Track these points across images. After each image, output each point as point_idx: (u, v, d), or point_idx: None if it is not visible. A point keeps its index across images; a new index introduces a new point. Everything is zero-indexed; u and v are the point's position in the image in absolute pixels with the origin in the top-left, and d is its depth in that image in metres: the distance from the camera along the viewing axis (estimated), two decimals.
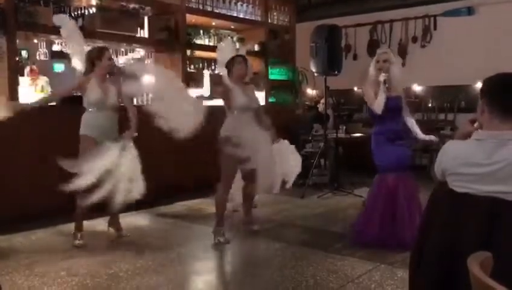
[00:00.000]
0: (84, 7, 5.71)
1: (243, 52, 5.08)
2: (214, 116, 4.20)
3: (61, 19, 4.57)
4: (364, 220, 4.18)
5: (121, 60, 6.37)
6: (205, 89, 6.57)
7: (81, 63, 4.39)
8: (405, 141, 4.23)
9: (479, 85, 7.16)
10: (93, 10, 5.68)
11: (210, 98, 4.83)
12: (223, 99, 4.35)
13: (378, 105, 4.06)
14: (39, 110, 4.98)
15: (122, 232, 4.50)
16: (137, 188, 4.11)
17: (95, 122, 4.19)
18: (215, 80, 5.09)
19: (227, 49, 4.82)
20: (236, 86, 4.31)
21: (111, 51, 4.68)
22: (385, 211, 4.02)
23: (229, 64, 4.41)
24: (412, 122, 4.31)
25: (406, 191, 4.06)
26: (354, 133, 7.43)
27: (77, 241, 4.20)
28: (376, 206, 4.08)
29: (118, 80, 4.42)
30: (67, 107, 5.26)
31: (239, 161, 4.17)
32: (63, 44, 5.78)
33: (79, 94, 5.38)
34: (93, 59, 4.24)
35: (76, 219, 4.28)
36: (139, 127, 4.32)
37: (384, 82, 4.05)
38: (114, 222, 4.49)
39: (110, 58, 4.33)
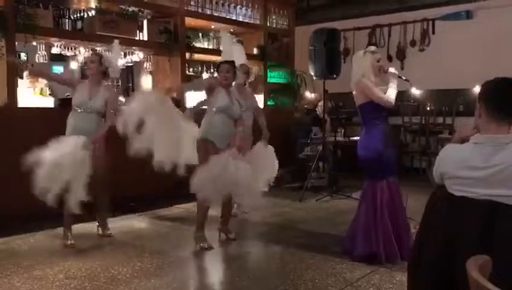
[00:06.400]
0: (84, 10, 5.72)
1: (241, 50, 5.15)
2: None
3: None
4: (371, 232, 3.86)
5: (120, 63, 6.38)
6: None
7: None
8: (393, 142, 4.12)
9: (477, 89, 7.18)
10: (92, 13, 5.68)
11: (196, 88, 4.68)
12: (207, 93, 4.30)
13: (391, 97, 3.82)
14: (39, 112, 5.01)
15: (107, 231, 4.59)
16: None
17: (74, 123, 4.29)
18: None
19: (226, 42, 4.81)
20: (222, 88, 4.27)
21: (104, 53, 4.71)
22: (392, 218, 3.86)
23: (217, 69, 4.40)
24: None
25: (397, 194, 3.97)
26: (353, 136, 7.44)
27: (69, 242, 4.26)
28: (384, 216, 3.82)
29: (112, 88, 4.52)
30: (64, 109, 5.27)
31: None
32: (62, 46, 5.80)
33: None
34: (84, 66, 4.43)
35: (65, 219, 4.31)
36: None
37: (399, 76, 3.93)
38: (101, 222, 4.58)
39: (92, 61, 4.39)
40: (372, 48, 4.06)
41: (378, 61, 3.91)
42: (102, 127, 4.33)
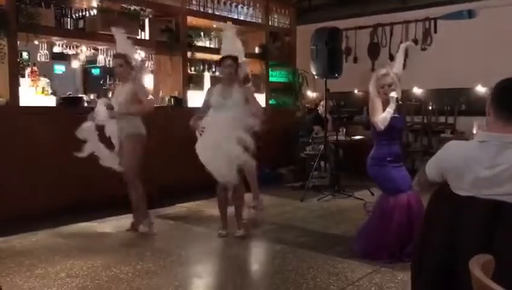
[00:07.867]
0: (85, 9, 5.72)
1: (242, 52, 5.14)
2: None
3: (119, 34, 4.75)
4: (377, 240, 3.94)
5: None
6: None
7: None
8: (403, 163, 4.07)
9: (479, 88, 7.22)
10: (94, 12, 5.68)
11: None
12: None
13: (383, 120, 3.82)
14: (41, 110, 5.01)
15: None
16: None
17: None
18: None
19: (228, 37, 4.79)
20: (219, 85, 4.39)
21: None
22: (400, 225, 3.83)
23: (219, 64, 4.48)
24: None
25: (418, 206, 3.84)
26: (354, 135, 7.43)
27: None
28: (391, 227, 3.84)
29: (137, 80, 4.67)
30: (66, 108, 5.28)
31: None
32: (64, 45, 5.81)
33: (78, 96, 5.42)
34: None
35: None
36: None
37: (397, 100, 3.89)
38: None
39: (121, 65, 4.52)
40: (381, 72, 4.01)
41: (382, 87, 3.92)
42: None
